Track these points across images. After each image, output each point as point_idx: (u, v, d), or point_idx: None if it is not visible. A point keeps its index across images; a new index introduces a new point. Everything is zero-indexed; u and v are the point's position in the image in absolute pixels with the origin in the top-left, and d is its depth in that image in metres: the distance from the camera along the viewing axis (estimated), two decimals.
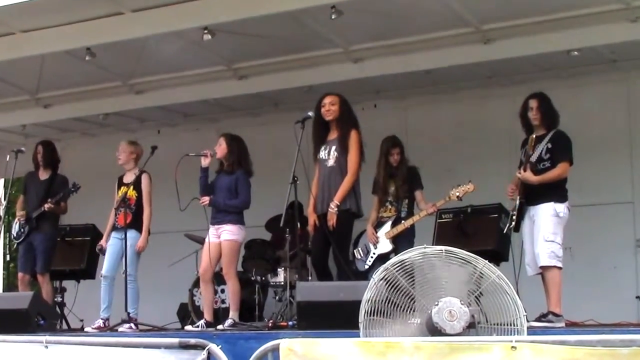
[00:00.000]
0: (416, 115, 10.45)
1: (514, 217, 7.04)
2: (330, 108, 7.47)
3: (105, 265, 8.47)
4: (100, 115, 11.13)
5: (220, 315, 8.37)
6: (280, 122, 10.08)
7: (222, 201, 7.89)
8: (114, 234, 8.52)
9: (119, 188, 8.63)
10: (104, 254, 8.65)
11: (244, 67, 9.90)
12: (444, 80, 9.90)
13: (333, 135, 7.54)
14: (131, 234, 8.33)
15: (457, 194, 7.79)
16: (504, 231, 7.51)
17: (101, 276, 8.50)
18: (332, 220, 7.23)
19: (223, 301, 9.11)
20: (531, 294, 6.65)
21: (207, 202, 7.89)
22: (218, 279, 8.43)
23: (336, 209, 7.23)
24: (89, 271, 9.73)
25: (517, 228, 7.09)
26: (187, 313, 9.58)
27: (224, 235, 7.85)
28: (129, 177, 8.61)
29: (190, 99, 10.43)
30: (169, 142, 10.30)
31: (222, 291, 9.08)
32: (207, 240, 7.98)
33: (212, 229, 7.92)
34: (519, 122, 7.27)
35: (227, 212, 7.89)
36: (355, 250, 8.11)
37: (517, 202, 7.02)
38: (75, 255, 9.81)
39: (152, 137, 10.38)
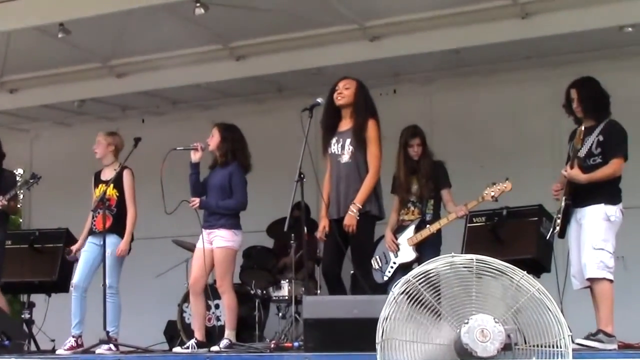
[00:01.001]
0: (443, 102, 10.43)
1: (559, 221, 6.99)
2: (343, 92, 7.41)
3: (77, 273, 8.45)
4: (75, 101, 11.14)
5: (214, 334, 8.37)
6: (284, 109, 10.09)
7: (214, 202, 7.89)
8: (90, 239, 8.51)
9: (96, 186, 8.62)
10: (74, 261, 8.64)
11: (242, 45, 9.89)
12: (476, 61, 9.88)
13: (346, 125, 7.47)
14: (112, 239, 8.33)
15: (492, 193, 7.75)
16: (547, 237, 7.46)
17: (71, 286, 8.48)
18: (352, 225, 7.18)
19: (218, 318, 9.11)
20: (577, 311, 6.62)
21: (197, 204, 7.88)
22: (212, 292, 8.42)
23: (358, 213, 7.18)
24: (61, 283, 9.72)
25: (562, 234, 7.04)
26: (176, 332, 9.58)
27: (217, 242, 7.85)
28: (107, 174, 8.60)
29: (179, 83, 10.43)
30: (155, 133, 10.30)
31: (217, 307, 9.09)
32: (198, 246, 7.97)
33: (204, 234, 7.92)
34: (564, 109, 7.24)
35: (220, 214, 7.88)
36: (372, 260, 8.07)
37: (563, 203, 6.97)
38: (46, 265, 9.81)
39: (135, 128, 10.39)
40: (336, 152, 7.44)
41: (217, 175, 8.01)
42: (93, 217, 8.48)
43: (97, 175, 8.72)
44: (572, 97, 7.07)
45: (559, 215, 7.00)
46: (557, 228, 7.00)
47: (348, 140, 7.38)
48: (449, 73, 10.27)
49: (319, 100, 7.41)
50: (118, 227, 8.40)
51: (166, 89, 10.76)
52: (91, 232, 8.52)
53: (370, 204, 7.28)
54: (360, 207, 7.19)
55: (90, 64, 10.42)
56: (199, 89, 10.76)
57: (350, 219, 7.18)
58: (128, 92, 10.78)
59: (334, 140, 7.46)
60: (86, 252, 8.48)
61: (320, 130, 7.60)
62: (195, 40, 9.74)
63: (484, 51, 9.37)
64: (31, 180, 9.04)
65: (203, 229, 7.92)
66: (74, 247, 8.68)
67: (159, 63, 10.22)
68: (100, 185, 8.54)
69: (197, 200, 7.88)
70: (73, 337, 8.31)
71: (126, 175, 8.51)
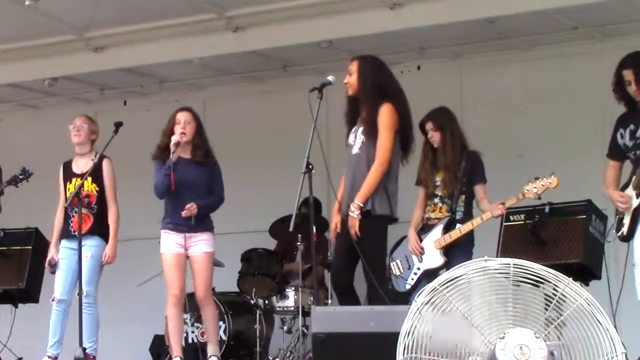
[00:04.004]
0: (474, 79, 10.43)
1: (626, 220, 6.82)
2: (348, 79, 7.43)
3: (61, 285, 8.45)
4: (45, 80, 11.15)
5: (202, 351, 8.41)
6: (289, 90, 10.12)
7: (202, 203, 7.98)
8: (66, 244, 8.50)
9: (68, 180, 8.59)
10: (53, 273, 8.66)
11: (240, 15, 9.87)
12: (513, 33, 9.87)
13: (363, 113, 7.47)
14: (94, 241, 8.37)
15: (535, 190, 7.73)
16: (607, 240, 7.40)
17: (52, 300, 8.47)
18: (353, 226, 7.17)
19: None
20: (633, 324, 6.62)
21: (196, 210, 7.90)
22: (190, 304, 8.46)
23: (358, 212, 7.16)
24: (30, 292, 9.73)
25: (630, 236, 6.85)
26: (164, 348, 9.61)
27: (201, 247, 7.99)
28: (82, 165, 8.57)
29: (167, 58, 10.43)
30: (139, 117, 10.31)
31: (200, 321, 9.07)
32: (171, 251, 8.01)
33: (176, 237, 7.99)
34: (613, 94, 7.18)
35: (203, 215, 7.98)
36: (392, 264, 8.07)
37: (635, 200, 6.80)
38: (12, 270, 9.79)
39: (116, 110, 10.43)
40: (350, 143, 7.46)
41: (192, 170, 8.05)
42: (69, 218, 8.46)
43: (67, 167, 8.69)
44: (626, 79, 6.95)
45: (628, 215, 6.82)
46: (624, 229, 6.91)
47: (360, 130, 7.39)
48: (483, 46, 10.25)
49: (330, 78, 7.39)
50: (100, 228, 8.43)
51: (151, 65, 10.76)
52: (67, 235, 8.50)
53: (375, 201, 7.24)
54: (361, 205, 7.17)
55: (63, 36, 10.41)
56: (189, 65, 10.75)
57: (351, 220, 7.17)
58: (107, 69, 10.78)
59: (352, 131, 7.48)
60: (66, 261, 8.45)
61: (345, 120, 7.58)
62: (186, 8, 9.71)
63: (522, 21, 9.36)
64: (21, 176, 9.05)
65: (173, 232, 8.01)
66: (54, 256, 8.63)
67: (143, 35, 10.20)
68: (73, 180, 8.51)
69: (195, 206, 7.92)
70: (49, 357, 8.33)
71: (106, 165, 8.51)
